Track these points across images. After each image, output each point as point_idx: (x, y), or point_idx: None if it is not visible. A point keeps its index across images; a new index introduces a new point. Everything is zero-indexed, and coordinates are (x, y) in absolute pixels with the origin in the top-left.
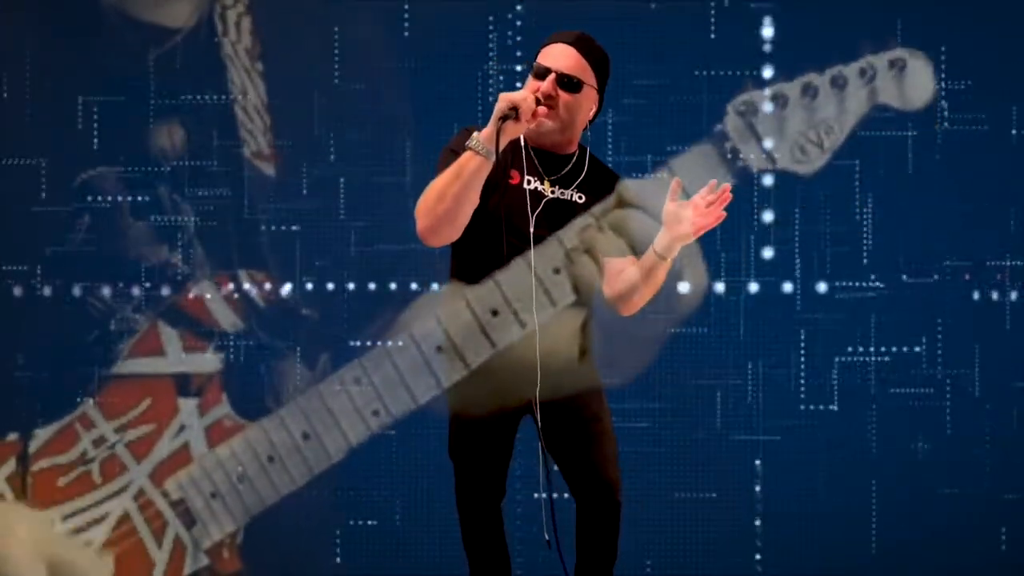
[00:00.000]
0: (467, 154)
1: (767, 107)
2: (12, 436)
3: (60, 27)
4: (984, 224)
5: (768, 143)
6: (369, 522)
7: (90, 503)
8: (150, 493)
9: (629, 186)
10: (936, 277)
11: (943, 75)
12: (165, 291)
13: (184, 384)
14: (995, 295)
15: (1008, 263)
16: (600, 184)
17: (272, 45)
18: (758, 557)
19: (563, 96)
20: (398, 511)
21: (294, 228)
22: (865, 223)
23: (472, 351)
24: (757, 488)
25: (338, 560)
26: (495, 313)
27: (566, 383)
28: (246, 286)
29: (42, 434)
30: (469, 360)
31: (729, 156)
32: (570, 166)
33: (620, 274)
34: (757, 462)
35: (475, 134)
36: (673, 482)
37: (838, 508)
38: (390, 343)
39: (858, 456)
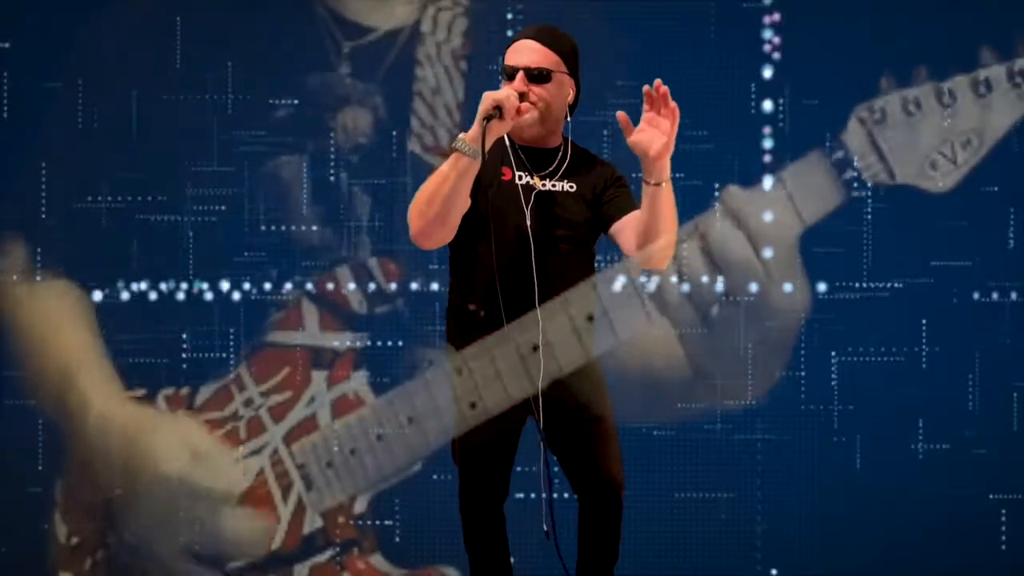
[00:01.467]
0: (454, 155)
1: (896, 114)
2: (185, 389)
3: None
4: (984, 225)
5: (890, 155)
6: (369, 522)
7: (237, 457)
8: (282, 454)
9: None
10: (935, 278)
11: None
12: (314, 270)
13: (318, 358)
14: (995, 295)
15: (1009, 265)
16: (586, 168)
17: (480, 49)
18: (759, 557)
19: (535, 90)
20: (398, 511)
21: None
22: (865, 223)
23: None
24: (758, 488)
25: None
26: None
27: (571, 383)
28: (378, 276)
29: (206, 391)
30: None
31: (843, 167)
32: (558, 158)
33: (632, 227)
34: (758, 461)
35: (460, 135)
36: (675, 482)
37: (838, 509)
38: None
39: (858, 456)
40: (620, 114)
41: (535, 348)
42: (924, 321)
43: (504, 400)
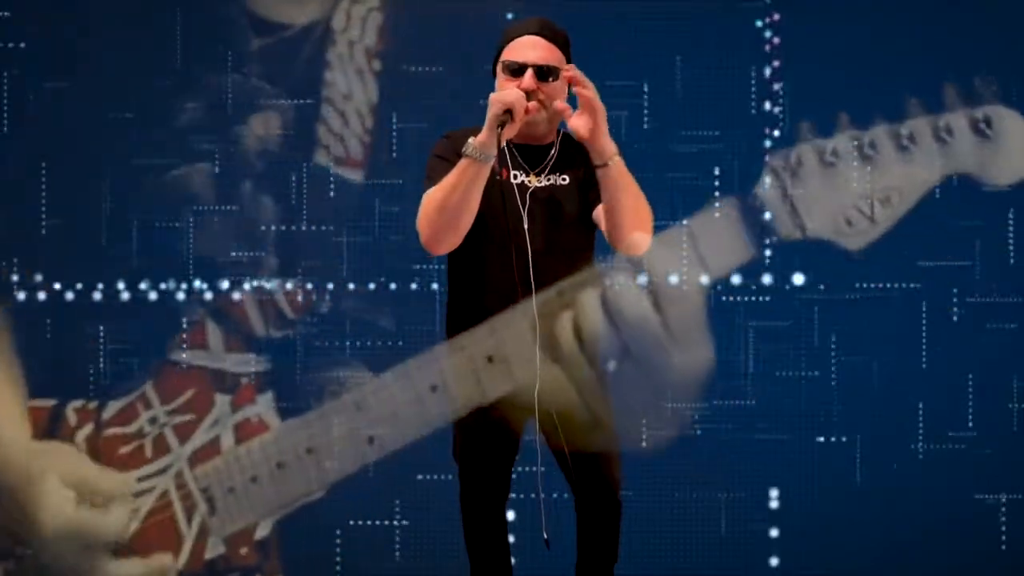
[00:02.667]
0: (464, 161)
1: (811, 165)
2: (93, 403)
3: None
4: (979, 229)
5: (803, 209)
6: (369, 522)
7: (142, 475)
8: (186, 475)
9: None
10: (936, 277)
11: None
12: (214, 290)
13: (221, 380)
14: (994, 296)
15: (1008, 265)
16: (578, 157)
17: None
18: (759, 557)
19: (544, 88)
20: (398, 511)
21: (347, 234)
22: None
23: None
24: (758, 488)
25: (338, 560)
26: (490, 359)
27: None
28: (285, 292)
29: (114, 405)
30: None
31: (756, 220)
32: (551, 152)
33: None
34: (758, 461)
35: (470, 140)
36: (675, 482)
37: (838, 508)
38: (389, 373)
39: (858, 456)
40: (558, 104)
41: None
42: (924, 321)
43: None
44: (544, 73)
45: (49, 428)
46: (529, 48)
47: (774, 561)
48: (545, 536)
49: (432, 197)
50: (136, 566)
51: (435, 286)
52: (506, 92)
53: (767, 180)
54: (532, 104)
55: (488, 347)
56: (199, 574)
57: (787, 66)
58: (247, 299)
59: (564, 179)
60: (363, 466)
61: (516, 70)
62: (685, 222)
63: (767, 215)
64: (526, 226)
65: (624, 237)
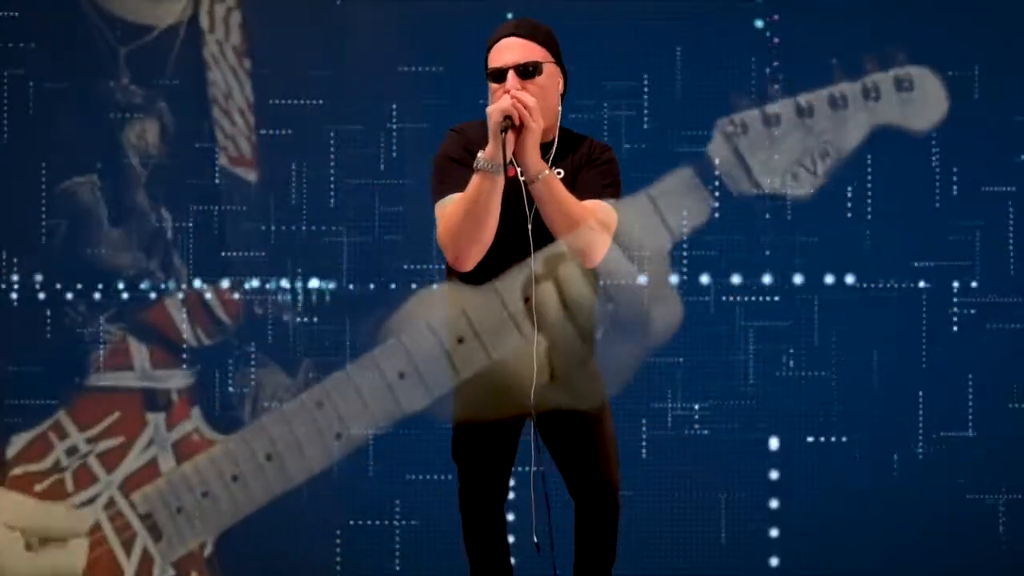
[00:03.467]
0: (477, 177)
1: (757, 128)
2: None
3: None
4: (980, 228)
5: (755, 167)
6: (369, 522)
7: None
8: (120, 504)
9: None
10: (936, 277)
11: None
12: (136, 302)
13: (152, 399)
14: (993, 296)
15: (1009, 265)
16: (574, 150)
17: (260, 41)
18: (759, 558)
19: (528, 86)
20: (398, 511)
21: (272, 232)
22: (864, 221)
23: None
24: (758, 488)
25: (338, 560)
26: (461, 341)
27: (571, 388)
28: (209, 298)
29: (18, 441)
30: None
31: (712, 180)
32: (552, 150)
33: None
34: (759, 461)
35: (479, 155)
36: (675, 482)
37: (838, 508)
38: (350, 366)
39: (857, 456)
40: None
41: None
42: (924, 321)
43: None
44: (525, 71)
45: None
46: (506, 51)
47: (774, 561)
48: (535, 540)
49: (452, 213)
50: None
51: (393, 286)
52: (500, 101)
53: (718, 141)
54: (531, 102)
55: (459, 328)
56: None
57: (787, 66)
58: (171, 304)
59: (559, 172)
60: (330, 465)
61: (498, 75)
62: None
63: (721, 175)
64: (530, 227)
65: (570, 247)
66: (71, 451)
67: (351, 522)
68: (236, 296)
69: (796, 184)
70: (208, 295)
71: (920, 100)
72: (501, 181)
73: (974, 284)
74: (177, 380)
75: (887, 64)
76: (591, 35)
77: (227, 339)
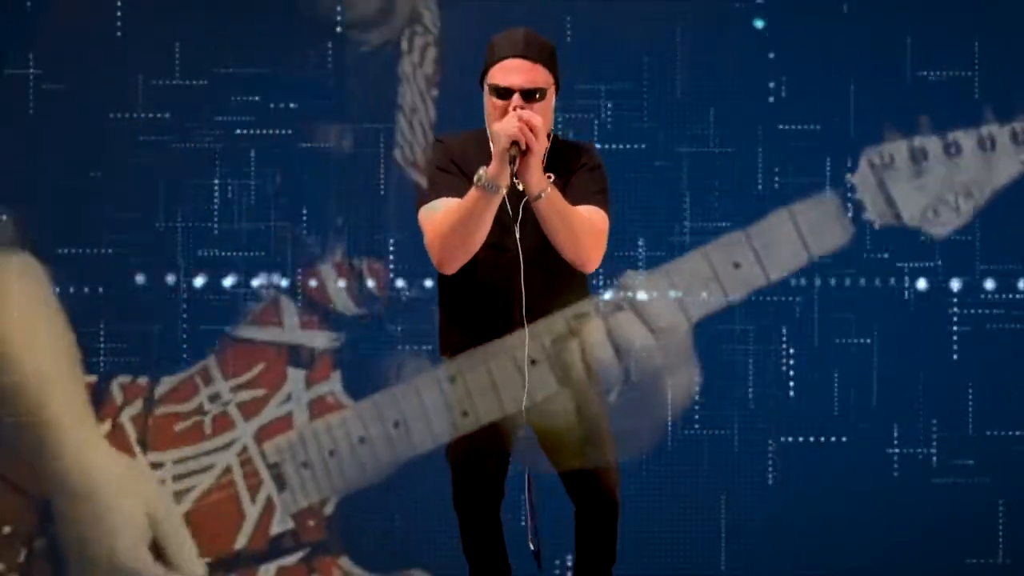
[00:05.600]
0: (475, 192)
1: (903, 161)
2: (142, 379)
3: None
4: (989, 225)
5: (898, 199)
6: (339, 524)
7: (199, 452)
8: (252, 452)
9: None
10: (937, 276)
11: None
12: (287, 275)
13: (295, 356)
14: (994, 296)
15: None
16: (565, 158)
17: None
18: (759, 557)
19: (532, 107)
20: (398, 511)
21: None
22: (862, 221)
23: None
24: (758, 489)
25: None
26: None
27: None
28: (365, 276)
29: (168, 381)
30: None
31: (853, 208)
32: (545, 158)
33: None
34: (758, 462)
35: (481, 171)
36: (675, 481)
37: (838, 509)
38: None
39: (857, 457)
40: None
41: (533, 362)
42: (924, 321)
43: (497, 410)
44: (531, 96)
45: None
46: (514, 72)
47: (774, 561)
48: (532, 546)
49: (443, 221)
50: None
51: None
52: (509, 125)
53: (863, 170)
54: (536, 122)
55: (531, 349)
56: (263, 552)
57: (787, 67)
58: (326, 271)
59: (550, 176)
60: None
61: (503, 93)
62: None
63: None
64: (518, 235)
65: (567, 259)
66: (214, 397)
67: (322, 524)
68: (386, 272)
69: (936, 220)
70: (362, 267)
71: None
72: (497, 200)
73: (976, 284)
74: (322, 340)
75: None
76: (592, 35)
77: (375, 312)
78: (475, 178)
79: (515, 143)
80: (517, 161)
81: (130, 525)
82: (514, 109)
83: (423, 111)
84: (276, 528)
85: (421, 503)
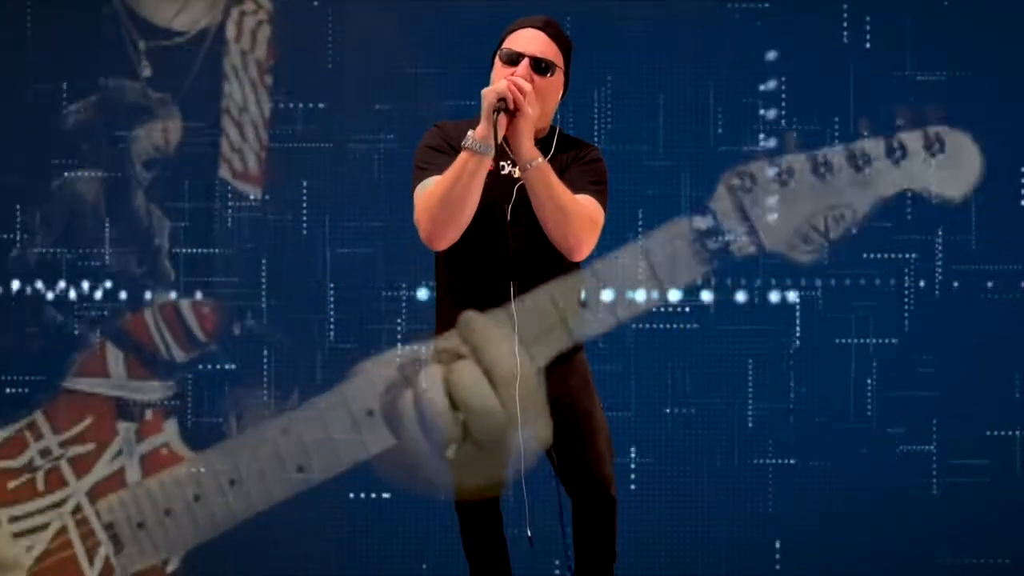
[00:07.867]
0: (464, 154)
1: (766, 183)
2: None
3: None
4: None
5: (759, 226)
6: (369, 521)
7: (35, 510)
8: (86, 511)
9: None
10: (938, 276)
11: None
12: (117, 309)
13: (125, 408)
14: (997, 297)
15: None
16: (565, 152)
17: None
18: (759, 557)
19: (537, 80)
20: (397, 511)
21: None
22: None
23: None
24: (758, 489)
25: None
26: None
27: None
28: (186, 313)
29: None
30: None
31: (708, 238)
32: (542, 147)
33: None
34: (758, 462)
35: (470, 133)
36: (675, 481)
37: (839, 509)
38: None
39: (857, 457)
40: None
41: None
42: (925, 322)
43: (336, 465)
44: (540, 66)
45: None
46: (531, 40)
47: (775, 561)
48: (529, 534)
49: (432, 191)
50: None
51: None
52: (497, 84)
53: (722, 196)
54: (527, 88)
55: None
56: None
57: (786, 68)
58: (149, 317)
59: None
60: (293, 495)
61: (513, 59)
62: (640, 240)
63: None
64: (508, 218)
65: (554, 242)
66: (44, 452)
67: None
68: (214, 313)
69: (804, 247)
70: (185, 310)
71: (951, 166)
72: (487, 163)
73: (979, 284)
74: (151, 391)
75: (918, 122)
76: (591, 35)
77: (205, 355)
78: (463, 141)
79: (502, 99)
80: (502, 120)
81: None
82: (509, 76)
83: (254, 107)
84: None
85: (421, 503)
